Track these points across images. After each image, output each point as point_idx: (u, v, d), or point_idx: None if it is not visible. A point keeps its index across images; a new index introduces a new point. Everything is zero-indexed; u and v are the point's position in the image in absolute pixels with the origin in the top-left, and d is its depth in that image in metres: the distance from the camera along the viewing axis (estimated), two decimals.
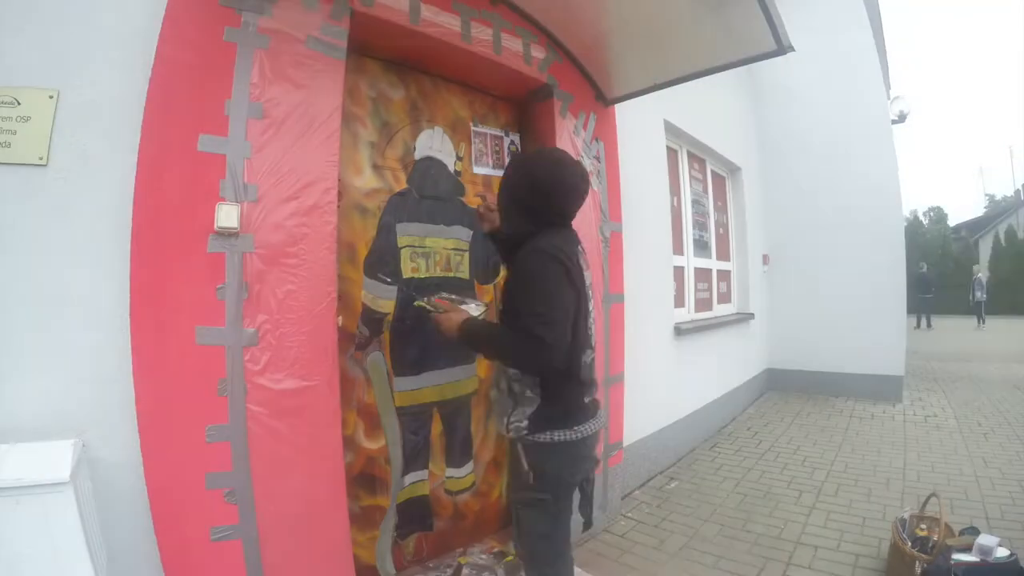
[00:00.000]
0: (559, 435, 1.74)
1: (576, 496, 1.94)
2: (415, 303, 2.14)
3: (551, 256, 1.68)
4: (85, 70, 1.77)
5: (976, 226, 31.69)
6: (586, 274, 1.83)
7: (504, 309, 1.86)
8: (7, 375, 1.62)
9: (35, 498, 1.45)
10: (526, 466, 1.78)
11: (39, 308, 1.67)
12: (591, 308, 1.83)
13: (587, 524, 2.00)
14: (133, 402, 1.72)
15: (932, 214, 35.82)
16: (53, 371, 1.69)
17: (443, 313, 1.92)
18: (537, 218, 1.81)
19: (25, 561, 1.45)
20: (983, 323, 18.34)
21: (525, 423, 1.76)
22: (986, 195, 40.23)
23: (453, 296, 2.21)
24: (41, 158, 1.69)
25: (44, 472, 1.48)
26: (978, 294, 19.27)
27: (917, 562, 2.55)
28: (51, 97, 1.70)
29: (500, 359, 1.82)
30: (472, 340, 1.84)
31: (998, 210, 32.27)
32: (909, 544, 2.69)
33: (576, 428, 1.77)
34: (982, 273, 19.30)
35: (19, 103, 1.66)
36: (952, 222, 34.39)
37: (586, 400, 1.83)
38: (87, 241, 1.76)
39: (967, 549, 2.54)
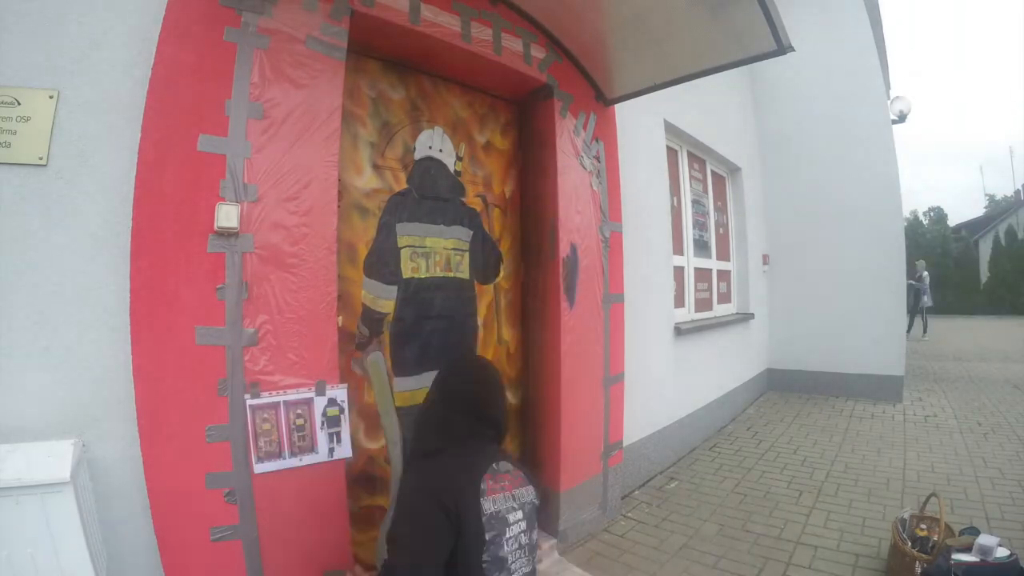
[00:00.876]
0: None
1: None
2: None
3: (425, 495, 1.54)
4: (85, 70, 1.77)
5: (976, 226, 31.65)
6: (503, 497, 1.64)
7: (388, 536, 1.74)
8: (7, 375, 1.62)
9: (35, 498, 1.45)
10: None
11: (39, 308, 1.67)
12: (509, 532, 1.63)
13: None
14: (133, 402, 1.72)
15: (932, 214, 35.77)
16: (53, 371, 1.68)
17: None
18: (443, 435, 1.72)
19: (25, 561, 1.45)
20: (926, 335, 14.40)
21: None
22: (986, 195, 40.16)
23: None
24: (41, 158, 1.69)
25: (44, 472, 1.49)
26: (924, 298, 14.85)
27: (917, 562, 2.56)
28: (51, 97, 1.70)
29: None
30: None
31: (998, 210, 32.24)
32: (909, 544, 2.69)
33: None
34: (926, 271, 14.91)
35: (19, 103, 1.66)
36: (952, 222, 34.33)
37: None
38: (87, 241, 1.75)
39: (967, 549, 2.54)
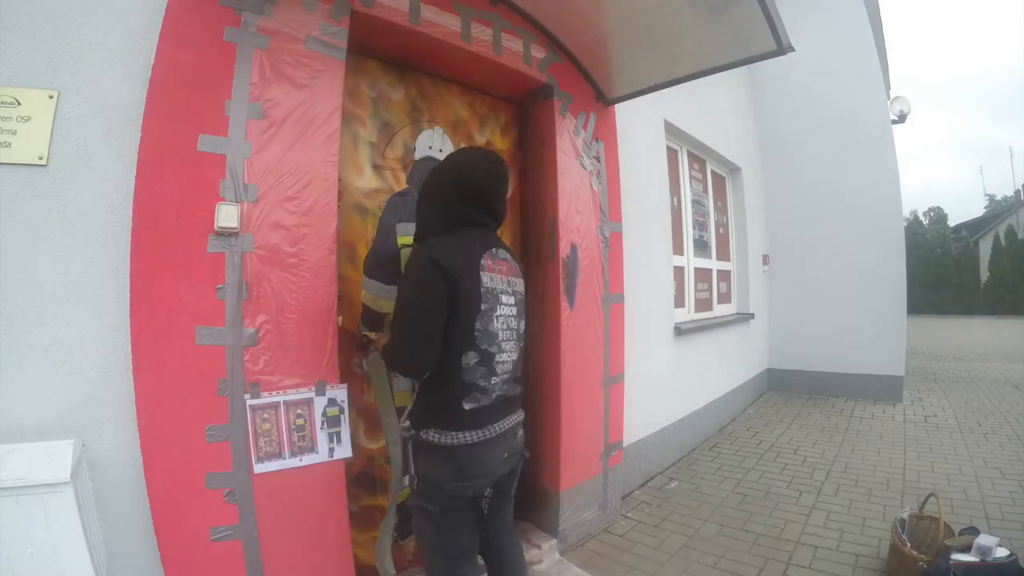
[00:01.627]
0: (435, 436, 1.69)
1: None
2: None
3: (424, 256, 1.66)
4: (85, 70, 1.77)
5: (976, 226, 31.71)
6: (499, 278, 1.79)
7: None
8: (7, 375, 1.62)
9: (35, 498, 1.45)
10: (412, 470, 1.79)
11: (39, 308, 1.67)
12: (501, 310, 1.77)
13: (483, 547, 1.95)
14: (133, 402, 1.72)
15: (932, 214, 35.80)
16: (53, 371, 1.69)
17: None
18: (439, 218, 1.82)
19: (25, 560, 1.45)
20: None
21: (407, 422, 1.79)
22: (986, 195, 40.20)
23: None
24: (41, 158, 1.69)
25: (44, 472, 1.49)
26: None
27: (917, 562, 2.56)
28: (51, 97, 1.70)
29: (387, 364, 1.85)
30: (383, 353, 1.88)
31: (998, 210, 32.27)
32: (908, 545, 2.69)
33: (453, 434, 1.69)
34: None
35: (19, 103, 1.66)
36: (952, 222, 34.35)
37: (466, 406, 1.71)
38: (87, 241, 1.76)
39: (966, 549, 2.54)
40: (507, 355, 1.80)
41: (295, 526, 2.01)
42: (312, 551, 2.05)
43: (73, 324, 1.72)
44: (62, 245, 1.72)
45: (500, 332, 1.76)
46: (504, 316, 1.78)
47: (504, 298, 1.78)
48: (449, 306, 1.64)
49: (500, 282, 1.78)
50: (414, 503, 1.81)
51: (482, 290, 1.70)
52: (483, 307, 1.69)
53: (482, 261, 1.73)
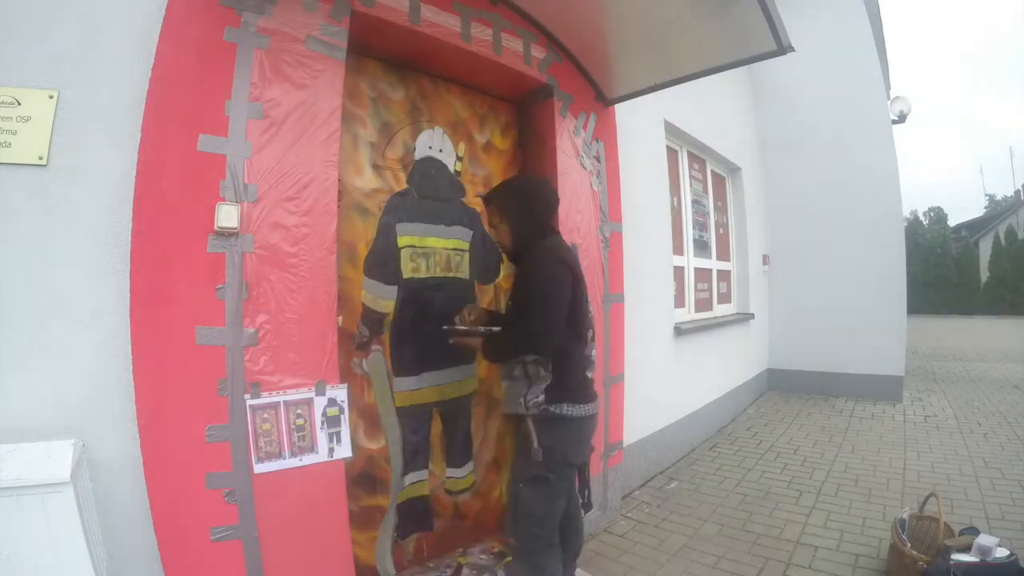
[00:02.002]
0: (569, 409, 2.06)
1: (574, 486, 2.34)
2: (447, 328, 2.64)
3: (551, 256, 2.10)
4: (85, 70, 1.77)
5: (976, 226, 31.69)
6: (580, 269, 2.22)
7: (512, 303, 2.26)
8: (8, 375, 1.62)
9: (35, 498, 1.45)
10: (536, 443, 2.04)
11: (39, 308, 1.67)
12: (587, 295, 2.22)
13: (587, 506, 2.34)
14: (133, 402, 1.72)
15: (932, 214, 35.75)
16: (53, 371, 1.69)
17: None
18: (535, 228, 2.23)
19: (25, 561, 1.45)
20: None
21: (542, 397, 2.07)
22: (986, 195, 40.18)
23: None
24: (41, 158, 1.69)
25: (44, 472, 1.49)
26: None
27: (917, 562, 2.56)
28: (51, 97, 1.70)
29: (515, 350, 2.14)
30: (495, 344, 2.23)
31: (998, 210, 32.27)
32: (908, 545, 2.69)
33: (583, 405, 2.10)
34: None
35: (19, 103, 1.66)
36: (952, 222, 34.31)
37: (588, 374, 2.18)
38: (87, 241, 1.76)
39: (966, 549, 2.53)
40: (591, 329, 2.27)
41: (295, 526, 2.01)
42: (312, 551, 2.05)
43: (73, 324, 1.72)
44: (62, 245, 1.72)
45: (591, 312, 2.26)
46: (589, 299, 2.26)
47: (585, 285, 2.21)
48: (571, 297, 2.06)
49: (582, 275, 2.20)
50: (533, 474, 2.08)
51: (581, 279, 2.16)
52: (588, 294, 2.20)
53: (573, 257, 2.25)
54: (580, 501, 2.36)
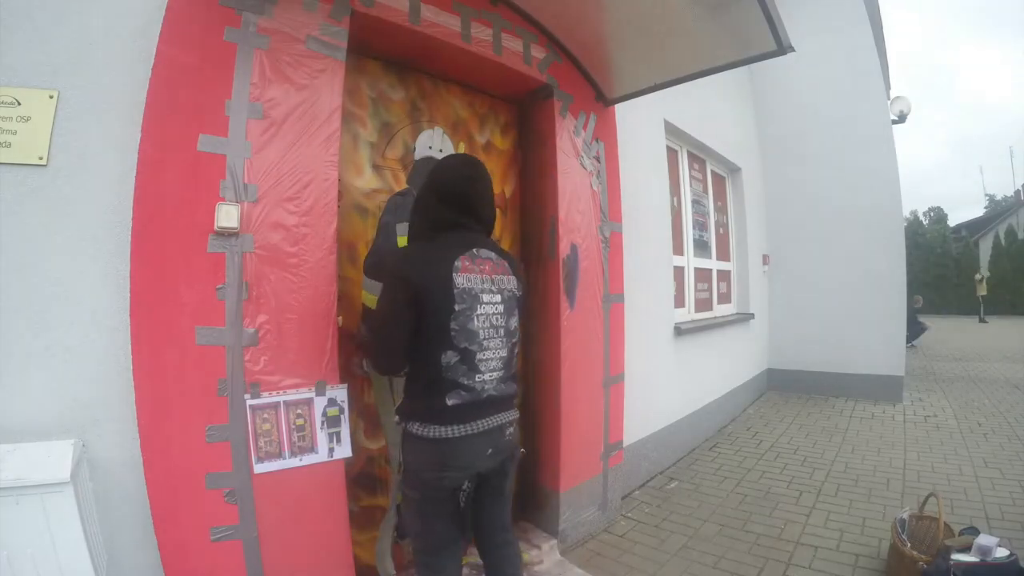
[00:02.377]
0: (418, 429, 1.75)
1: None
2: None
3: (393, 265, 1.80)
4: (85, 70, 1.77)
5: (976, 226, 31.69)
6: (479, 278, 1.80)
7: None
8: (8, 375, 1.62)
9: (36, 498, 1.45)
10: (400, 457, 1.85)
11: (39, 308, 1.68)
12: (482, 309, 1.79)
13: (481, 545, 2.06)
14: (133, 402, 1.72)
15: (932, 214, 35.78)
16: (53, 371, 1.69)
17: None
18: (423, 225, 1.88)
19: (26, 560, 1.45)
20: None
21: (396, 416, 1.86)
22: (986, 195, 40.16)
23: None
24: (41, 158, 1.69)
25: (44, 472, 1.49)
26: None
27: (917, 562, 2.56)
28: (51, 97, 1.71)
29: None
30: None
31: (998, 210, 32.27)
32: (908, 545, 2.69)
33: (433, 427, 1.74)
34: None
35: (19, 103, 1.66)
36: (952, 222, 34.31)
37: (449, 402, 1.74)
38: (87, 241, 1.76)
39: (966, 549, 2.53)
40: (492, 352, 1.82)
41: (295, 526, 2.01)
42: (312, 551, 2.05)
43: (73, 324, 1.72)
44: (62, 245, 1.72)
45: (481, 331, 1.79)
46: (486, 314, 1.80)
47: (486, 296, 1.81)
48: (416, 311, 1.70)
49: (480, 281, 1.80)
50: (402, 489, 1.87)
51: (455, 291, 1.72)
52: (457, 307, 1.73)
53: (456, 263, 1.75)
54: (502, 524, 2.07)
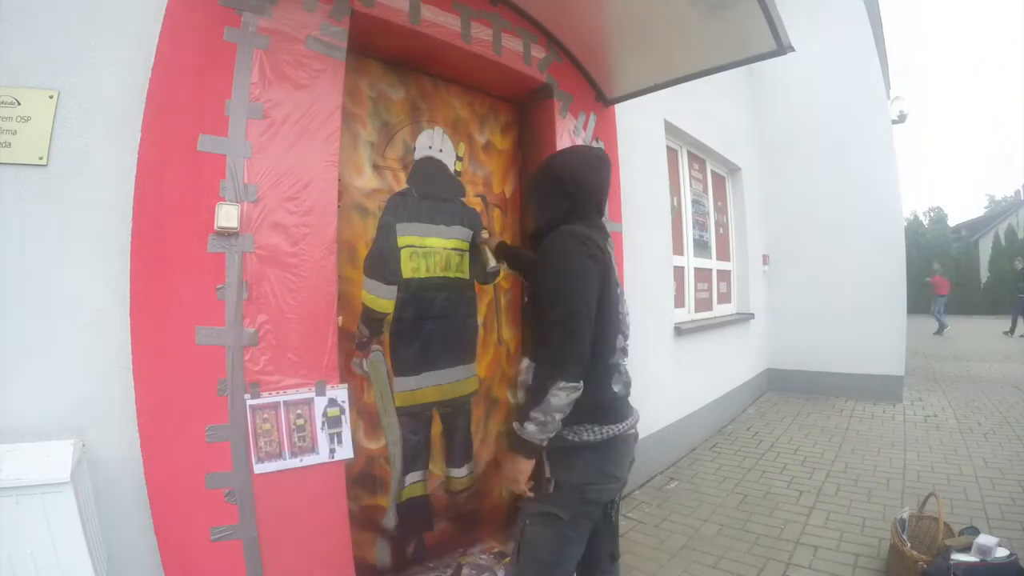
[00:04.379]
0: (587, 434, 1.61)
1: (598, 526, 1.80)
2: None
3: (572, 236, 1.66)
4: (85, 70, 1.77)
5: (976, 226, 31.65)
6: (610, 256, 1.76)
7: (530, 299, 1.84)
8: (7, 375, 1.62)
9: (35, 498, 1.45)
10: (548, 473, 1.65)
11: (39, 308, 1.67)
12: (621, 294, 1.77)
13: (613, 557, 1.90)
14: (133, 402, 1.72)
15: (932, 214, 35.72)
16: (53, 371, 1.69)
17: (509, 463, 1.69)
18: (569, 209, 1.79)
19: (25, 560, 1.45)
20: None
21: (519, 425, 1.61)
22: (986, 195, 40.12)
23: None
24: (41, 158, 1.69)
25: (44, 472, 1.49)
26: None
27: (917, 562, 2.56)
28: (51, 97, 1.70)
29: (549, 380, 1.54)
30: (530, 427, 1.56)
31: (998, 210, 32.24)
32: (908, 545, 2.69)
33: (600, 428, 1.62)
34: None
35: (19, 103, 1.66)
36: (952, 222, 34.27)
37: (616, 389, 1.68)
38: (87, 241, 1.76)
39: (966, 549, 2.54)
40: (624, 343, 1.80)
41: (295, 526, 2.01)
42: (312, 551, 2.05)
43: (73, 324, 1.72)
44: (62, 245, 1.72)
45: (622, 321, 1.77)
46: (622, 301, 1.79)
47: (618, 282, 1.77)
48: (599, 293, 1.62)
49: (614, 268, 1.75)
50: (540, 510, 1.67)
51: (613, 273, 1.70)
52: (618, 291, 1.71)
53: (608, 247, 1.74)
54: (612, 551, 1.91)
